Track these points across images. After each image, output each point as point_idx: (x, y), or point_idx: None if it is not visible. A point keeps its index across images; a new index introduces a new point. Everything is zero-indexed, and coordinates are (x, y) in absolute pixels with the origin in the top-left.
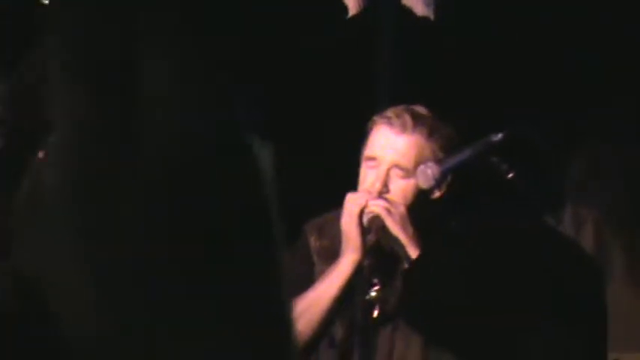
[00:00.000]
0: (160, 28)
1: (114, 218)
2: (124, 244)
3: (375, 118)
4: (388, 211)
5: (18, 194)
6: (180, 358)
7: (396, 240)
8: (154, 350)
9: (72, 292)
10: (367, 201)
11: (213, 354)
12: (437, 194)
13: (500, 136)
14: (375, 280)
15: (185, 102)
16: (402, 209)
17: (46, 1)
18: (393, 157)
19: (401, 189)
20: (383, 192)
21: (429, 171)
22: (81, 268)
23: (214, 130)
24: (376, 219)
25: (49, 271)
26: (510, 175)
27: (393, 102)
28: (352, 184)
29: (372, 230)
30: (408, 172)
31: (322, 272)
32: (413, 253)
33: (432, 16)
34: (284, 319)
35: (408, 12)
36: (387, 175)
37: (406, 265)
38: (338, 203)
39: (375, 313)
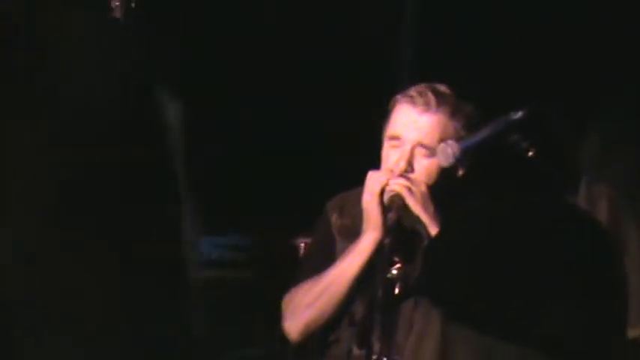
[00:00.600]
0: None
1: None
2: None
3: (397, 96)
4: (409, 189)
5: None
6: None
7: (417, 219)
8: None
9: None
10: (388, 179)
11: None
12: (459, 172)
13: (519, 113)
14: (396, 259)
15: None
16: (423, 188)
17: None
18: (416, 136)
19: (424, 168)
20: (407, 171)
21: (450, 149)
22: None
23: (117, 82)
24: (397, 197)
25: None
26: (530, 153)
27: (412, 80)
28: (373, 163)
29: (393, 209)
30: (432, 151)
31: (343, 250)
32: (434, 231)
33: None
34: (182, 276)
35: None
36: (411, 153)
37: (426, 244)
38: (359, 181)
39: (396, 291)
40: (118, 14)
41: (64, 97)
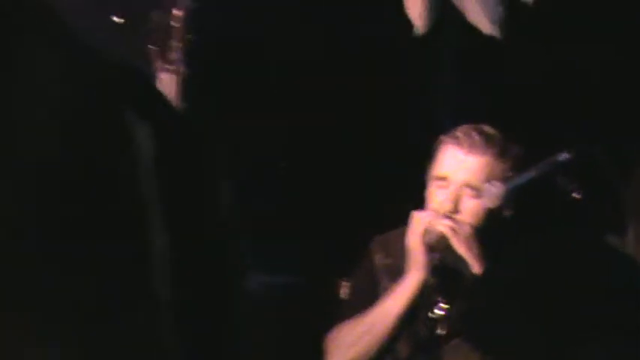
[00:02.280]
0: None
1: None
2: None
3: (442, 137)
4: (454, 230)
5: None
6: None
7: (461, 259)
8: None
9: None
10: (433, 220)
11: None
12: (505, 213)
13: (566, 155)
14: (440, 298)
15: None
16: (468, 229)
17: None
18: (463, 177)
19: (470, 209)
20: (453, 212)
21: (495, 190)
22: None
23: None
24: (442, 238)
25: None
26: (576, 194)
27: (455, 121)
28: (417, 202)
29: (437, 249)
30: (478, 192)
31: (387, 289)
32: (478, 272)
33: (498, 35)
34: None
35: (473, 30)
36: (457, 194)
37: (470, 284)
38: (403, 221)
39: (439, 331)
40: (177, 61)
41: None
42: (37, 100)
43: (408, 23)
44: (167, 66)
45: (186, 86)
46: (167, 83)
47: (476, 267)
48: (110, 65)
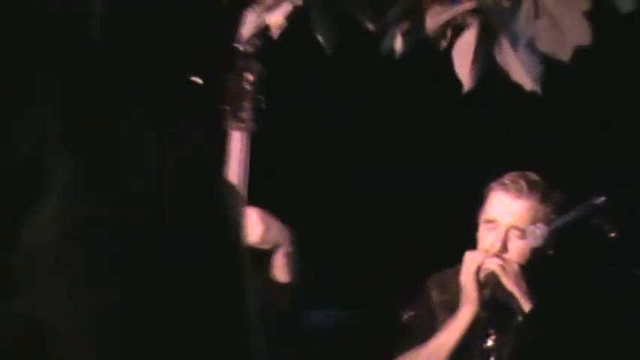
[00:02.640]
0: (135, 87)
1: (101, 262)
2: (112, 284)
3: (492, 184)
4: (503, 268)
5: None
6: None
7: (510, 295)
8: None
9: (66, 330)
10: (484, 259)
11: None
12: (549, 252)
13: (602, 198)
14: (491, 331)
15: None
16: (516, 267)
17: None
18: (510, 220)
19: (517, 248)
20: (501, 251)
21: (538, 231)
22: (73, 308)
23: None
24: (492, 275)
25: (47, 312)
26: (613, 235)
27: (502, 168)
28: (468, 243)
29: (488, 285)
30: (524, 233)
31: (444, 322)
32: (526, 307)
33: (539, 90)
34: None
35: (517, 86)
36: (506, 235)
37: (519, 318)
38: (457, 261)
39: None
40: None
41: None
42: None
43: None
44: (239, 124)
45: (253, 142)
46: (237, 140)
47: (523, 302)
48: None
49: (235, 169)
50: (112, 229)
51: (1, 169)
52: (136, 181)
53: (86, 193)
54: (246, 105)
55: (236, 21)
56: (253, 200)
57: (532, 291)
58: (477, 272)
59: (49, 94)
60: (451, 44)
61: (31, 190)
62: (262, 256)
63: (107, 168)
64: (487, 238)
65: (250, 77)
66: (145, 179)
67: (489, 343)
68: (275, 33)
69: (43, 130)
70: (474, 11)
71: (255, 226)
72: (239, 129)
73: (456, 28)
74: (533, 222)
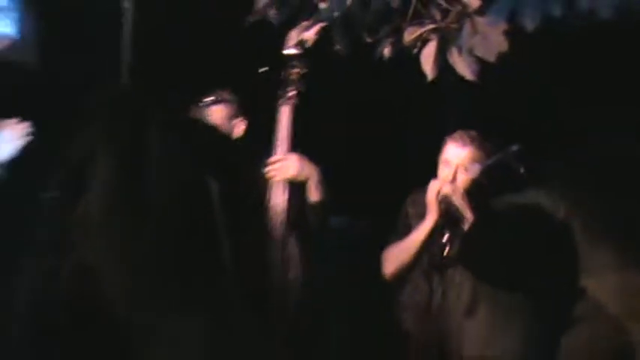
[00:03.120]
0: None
1: (136, 230)
2: (143, 243)
3: (447, 138)
4: (453, 191)
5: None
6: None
7: (457, 208)
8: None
9: (108, 269)
10: (442, 185)
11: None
12: (482, 182)
13: (516, 147)
14: (446, 231)
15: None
16: (461, 190)
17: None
18: (458, 161)
19: (463, 179)
20: (453, 181)
21: (475, 168)
22: (116, 256)
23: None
24: (446, 196)
25: (98, 259)
26: (522, 170)
27: (458, 126)
28: (432, 175)
29: (444, 202)
30: (467, 170)
31: (415, 226)
32: (469, 217)
33: (475, 79)
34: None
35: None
36: (455, 171)
37: (464, 224)
38: (425, 186)
39: (445, 252)
40: None
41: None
42: (173, 174)
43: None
44: (288, 102)
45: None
46: (286, 113)
47: (467, 213)
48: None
49: (284, 132)
50: (135, 203)
51: (68, 162)
52: (151, 175)
53: (117, 181)
54: (293, 89)
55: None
56: (294, 149)
57: (471, 206)
58: (437, 194)
59: (98, 123)
60: (420, 51)
61: (84, 176)
62: (302, 185)
63: (133, 171)
64: (444, 172)
65: (296, 71)
66: (157, 178)
67: (444, 239)
68: (309, 43)
69: (93, 143)
70: (434, 30)
71: (295, 165)
72: (287, 105)
73: (423, 40)
74: (472, 162)
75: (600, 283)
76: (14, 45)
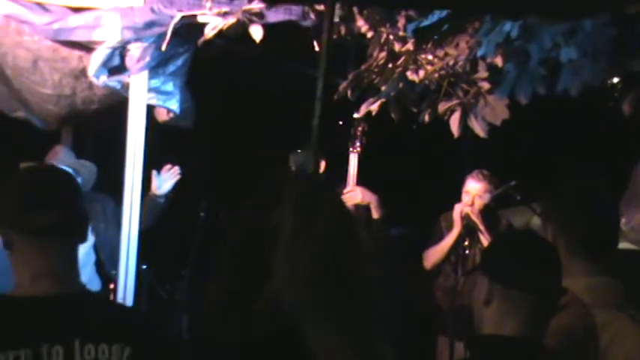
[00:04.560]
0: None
1: (321, 266)
2: (332, 280)
3: (467, 175)
4: (472, 212)
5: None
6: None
7: (476, 225)
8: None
9: (304, 305)
10: (464, 207)
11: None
12: (492, 206)
13: (513, 183)
14: (466, 240)
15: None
16: (478, 212)
17: None
18: (475, 192)
19: (478, 204)
20: (472, 205)
21: (487, 196)
22: (297, 275)
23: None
24: (467, 215)
25: (290, 292)
26: (518, 198)
27: (475, 166)
28: (457, 200)
29: (465, 219)
30: (481, 197)
31: (446, 235)
32: (485, 233)
33: (486, 136)
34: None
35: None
36: (473, 198)
37: (480, 236)
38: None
39: (467, 252)
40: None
41: None
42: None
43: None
44: (355, 150)
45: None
46: (353, 159)
47: (482, 229)
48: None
49: (353, 171)
50: (313, 233)
51: (263, 198)
52: (321, 223)
53: (297, 219)
54: (359, 142)
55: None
56: (358, 184)
57: (484, 222)
58: (461, 213)
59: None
60: (449, 118)
61: (275, 207)
62: (367, 207)
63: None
64: (465, 198)
65: (361, 129)
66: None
67: (465, 243)
68: (373, 112)
69: (278, 191)
70: (459, 104)
71: (360, 193)
72: (355, 153)
73: (451, 110)
74: (485, 192)
75: (576, 283)
76: (176, 116)
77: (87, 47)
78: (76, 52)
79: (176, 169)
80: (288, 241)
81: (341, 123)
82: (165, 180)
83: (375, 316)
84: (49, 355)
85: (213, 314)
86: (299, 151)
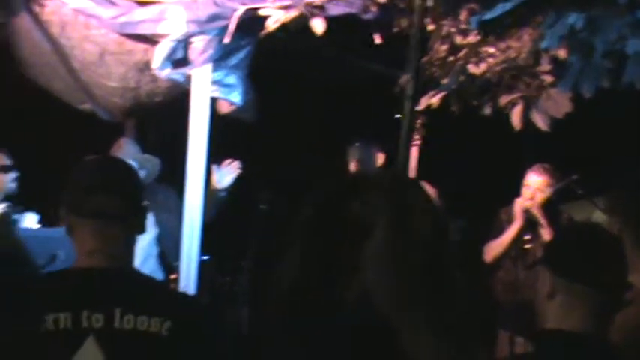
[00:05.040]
0: None
1: (404, 258)
2: (414, 270)
3: (528, 170)
4: (533, 206)
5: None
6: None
7: (537, 219)
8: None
9: (385, 292)
10: (525, 202)
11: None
12: (553, 199)
13: (575, 177)
14: (527, 234)
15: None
16: (539, 207)
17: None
18: (537, 185)
19: (540, 198)
20: (532, 199)
21: (549, 190)
22: (389, 281)
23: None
24: (528, 209)
25: (373, 284)
26: (580, 192)
27: (536, 160)
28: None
29: (526, 213)
30: (542, 191)
31: (507, 229)
32: (545, 227)
33: (548, 130)
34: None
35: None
36: (534, 192)
37: (541, 230)
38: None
39: (527, 246)
40: None
41: None
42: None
43: None
44: (414, 144)
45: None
46: (415, 152)
47: (543, 222)
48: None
49: (412, 167)
50: (405, 244)
51: (335, 189)
52: (413, 225)
53: (389, 228)
54: (419, 135)
55: None
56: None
57: (545, 217)
58: (522, 207)
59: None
60: (510, 110)
61: (371, 225)
62: None
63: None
64: (526, 192)
65: (421, 122)
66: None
67: (525, 238)
68: (434, 105)
69: (352, 182)
70: (521, 97)
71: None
72: (414, 147)
73: (513, 103)
74: (546, 186)
75: None
76: (238, 109)
77: (151, 40)
78: (141, 45)
79: (236, 164)
80: (383, 238)
81: (399, 116)
82: (225, 174)
83: (467, 313)
84: (88, 321)
85: (282, 306)
86: (357, 144)
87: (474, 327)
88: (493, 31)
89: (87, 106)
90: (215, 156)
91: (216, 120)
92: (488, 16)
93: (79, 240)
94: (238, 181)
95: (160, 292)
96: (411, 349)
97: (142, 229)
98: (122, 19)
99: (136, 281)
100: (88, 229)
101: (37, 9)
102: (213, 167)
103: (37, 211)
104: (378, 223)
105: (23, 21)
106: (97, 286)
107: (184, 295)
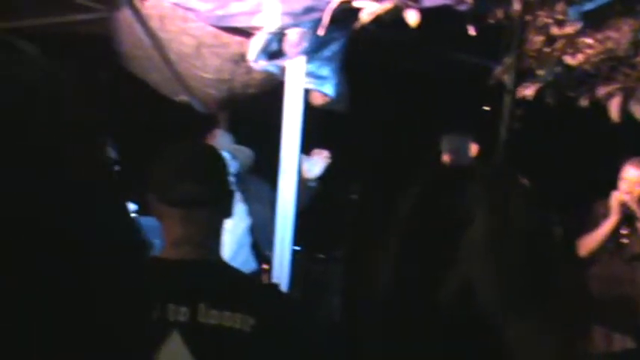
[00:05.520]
0: None
1: (507, 254)
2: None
3: (625, 162)
4: (629, 199)
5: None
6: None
7: (634, 213)
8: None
9: (485, 286)
10: (622, 195)
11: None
12: None
13: None
14: (624, 228)
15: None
16: (636, 200)
17: None
18: (635, 179)
19: (637, 192)
20: (630, 192)
21: None
22: (490, 274)
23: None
24: (625, 203)
25: (474, 274)
26: None
27: (634, 153)
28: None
29: (623, 207)
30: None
31: (602, 223)
32: None
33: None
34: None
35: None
36: (632, 185)
37: (639, 225)
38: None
39: (624, 241)
40: None
41: None
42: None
43: None
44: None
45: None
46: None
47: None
48: None
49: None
50: (508, 238)
51: (454, 209)
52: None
53: (491, 220)
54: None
55: None
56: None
57: None
58: (618, 201)
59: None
60: (608, 102)
61: (468, 219)
62: None
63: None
64: (623, 186)
65: (519, 113)
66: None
67: (623, 232)
68: (529, 96)
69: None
70: (620, 88)
71: None
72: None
73: (611, 95)
74: None
75: None
76: (331, 100)
77: (247, 33)
78: (237, 38)
79: (326, 153)
80: (484, 228)
81: (488, 108)
82: (315, 164)
83: (573, 310)
84: (175, 314)
85: (378, 299)
86: (451, 135)
87: (577, 319)
88: (592, 21)
89: (183, 98)
90: (308, 147)
91: (310, 111)
92: (590, 6)
93: (167, 228)
94: (330, 170)
95: (246, 287)
96: (512, 341)
97: (228, 213)
98: (218, 12)
99: (223, 275)
100: (175, 217)
101: (137, 3)
102: (303, 157)
103: (134, 201)
104: (478, 214)
105: (124, 15)
106: (183, 279)
107: (272, 291)
